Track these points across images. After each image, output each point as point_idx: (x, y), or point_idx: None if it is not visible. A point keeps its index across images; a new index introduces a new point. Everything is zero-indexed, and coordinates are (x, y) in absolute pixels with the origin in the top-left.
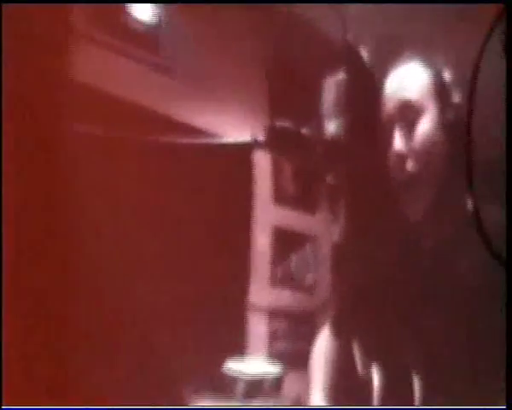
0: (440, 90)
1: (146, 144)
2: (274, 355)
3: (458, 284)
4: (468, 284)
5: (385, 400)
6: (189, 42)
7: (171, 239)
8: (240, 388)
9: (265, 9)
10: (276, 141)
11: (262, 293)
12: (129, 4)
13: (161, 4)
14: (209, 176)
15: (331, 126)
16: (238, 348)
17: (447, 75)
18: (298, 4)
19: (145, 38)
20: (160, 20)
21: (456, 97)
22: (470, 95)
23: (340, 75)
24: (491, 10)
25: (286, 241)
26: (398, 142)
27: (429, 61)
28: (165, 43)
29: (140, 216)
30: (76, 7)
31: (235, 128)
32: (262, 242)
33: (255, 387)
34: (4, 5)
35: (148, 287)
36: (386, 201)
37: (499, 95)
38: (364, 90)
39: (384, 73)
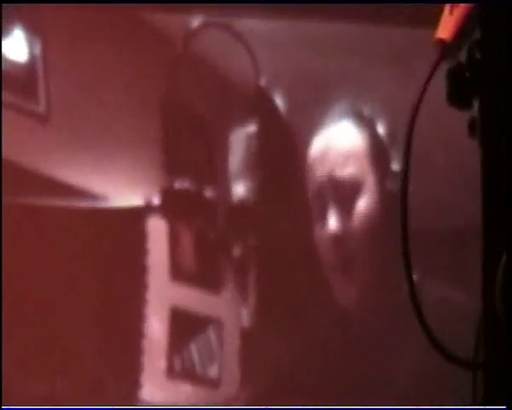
0: (378, 156)
1: (22, 207)
2: None
3: (400, 381)
4: (411, 381)
5: None
6: (69, 87)
7: (49, 324)
8: None
9: (159, 49)
10: (174, 205)
11: (157, 388)
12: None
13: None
14: (93, 246)
15: (239, 188)
16: None
17: (383, 135)
18: (199, 44)
19: (21, 82)
20: (35, 61)
21: (395, 163)
22: (405, 156)
23: (251, 127)
24: (426, 52)
25: (185, 325)
26: (332, 221)
27: (360, 117)
28: (42, 88)
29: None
30: None
31: (124, 189)
32: (156, 326)
33: None
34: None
35: None
36: (306, 280)
37: (443, 153)
38: (280, 146)
39: (306, 126)
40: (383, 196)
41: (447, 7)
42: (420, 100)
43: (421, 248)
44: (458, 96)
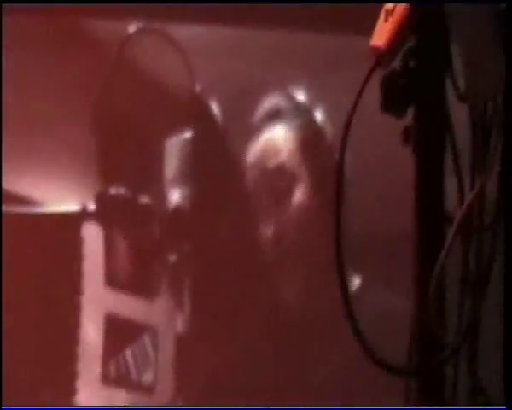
0: (313, 151)
1: None
2: None
3: (328, 380)
4: (339, 381)
5: None
6: (5, 90)
7: None
8: None
9: (94, 54)
10: (109, 211)
11: (92, 394)
12: None
13: None
14: (28, 251)
15: (175, 195)
16: None
17: (320, 132)
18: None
19: None
20: None
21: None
22: (340, 161)
23: (187, 134)
24: (361, 59)
25: (120, 331)
26: (267, 213)
27: (298, 116)
28: None
29: None
30: None
31: (60, 195)
32: (92, 332)
33: None
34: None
35: None
36: (242, 282)
37: (378, 160)
38: (215, 153)
39: (243, 131)
40: (319, 187)
41: (382, 14)
42: (354, 107)
43: (359, 254)
44: (392, 103)
